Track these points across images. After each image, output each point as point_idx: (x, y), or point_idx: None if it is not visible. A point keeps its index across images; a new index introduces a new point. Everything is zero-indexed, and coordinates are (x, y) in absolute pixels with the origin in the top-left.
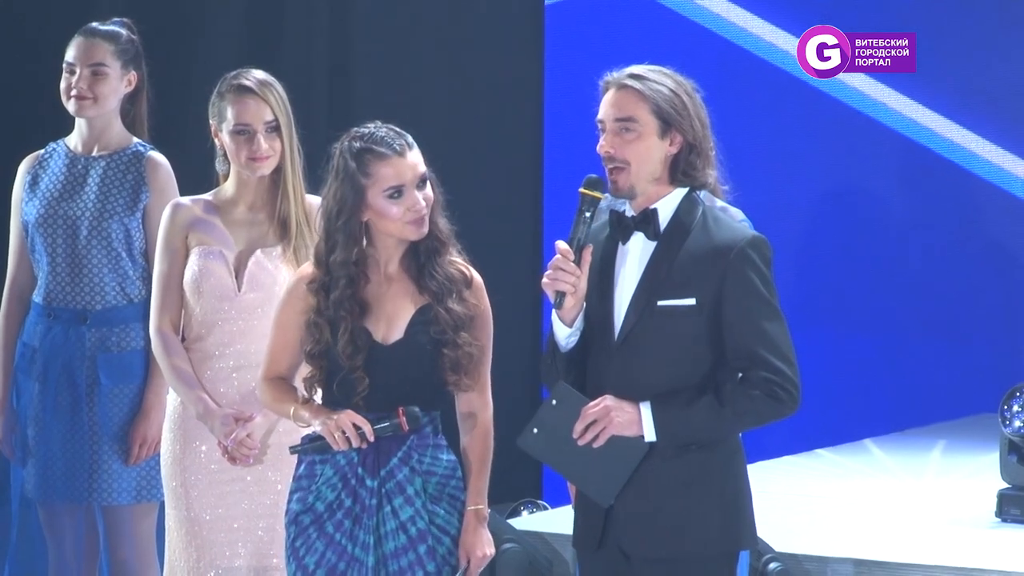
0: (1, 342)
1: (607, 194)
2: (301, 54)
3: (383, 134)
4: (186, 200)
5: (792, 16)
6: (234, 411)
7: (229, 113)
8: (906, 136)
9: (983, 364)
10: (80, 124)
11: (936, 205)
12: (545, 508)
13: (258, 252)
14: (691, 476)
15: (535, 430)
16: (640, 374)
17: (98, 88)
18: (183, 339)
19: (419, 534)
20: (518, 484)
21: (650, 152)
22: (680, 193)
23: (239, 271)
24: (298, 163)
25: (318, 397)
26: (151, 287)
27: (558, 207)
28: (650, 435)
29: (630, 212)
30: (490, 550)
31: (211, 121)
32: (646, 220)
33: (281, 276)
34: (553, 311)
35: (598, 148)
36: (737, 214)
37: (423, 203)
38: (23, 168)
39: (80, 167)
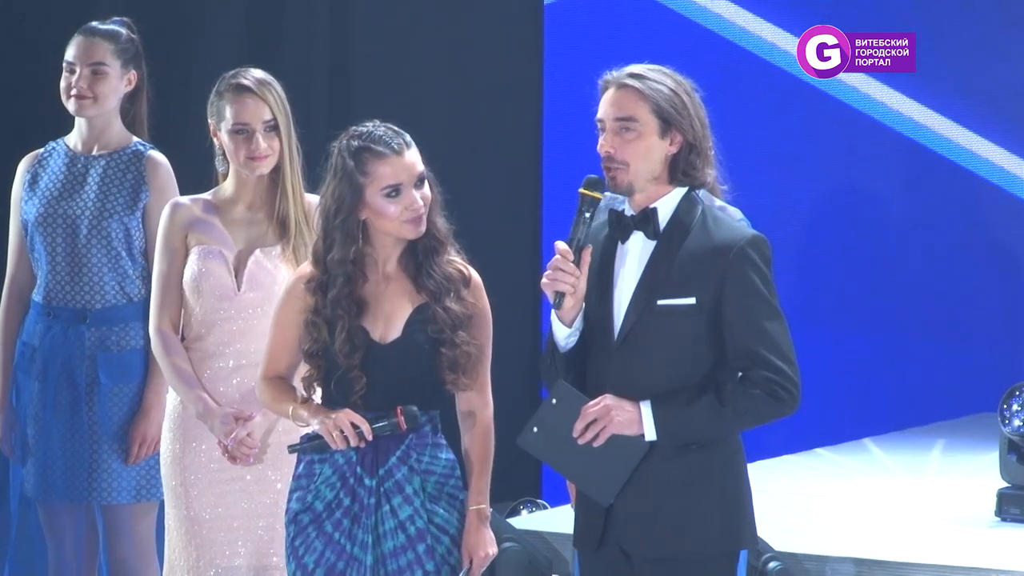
0: (0, 341)
1: (606, 192)
2: (301, 54)
3: (381, 133)
4: (185, 200)
5: (792, 16)
6: (234, 410)
7: (228, 112)
8: (906, 136)
9: (983, 364)
10: (80, 123)
11: (936, 205)
12: (545, 507)
13: (257, 251)
14: (692, 475)
15: (535, 429)
16: (640, 374)
17: (98, 87)
18: (183, 338)
19: (418, 533)
20: (518, 483)
21: (650, 152)
22: (679, 192)
23: (239, 270)
24: (297, 162)
25: (317, 396)
26: (151, 286)
27: (558, 207)
28: (650, 434)
29: (629, 211)
30: (492, 550)
31: (210, 120)
32: (646, 219)
33: (280, 275)
34: (552, 311)
35: (598, 148)
36: (736, 213)
37: (421, 202)
38: (22, 167)
39: (80, 166)
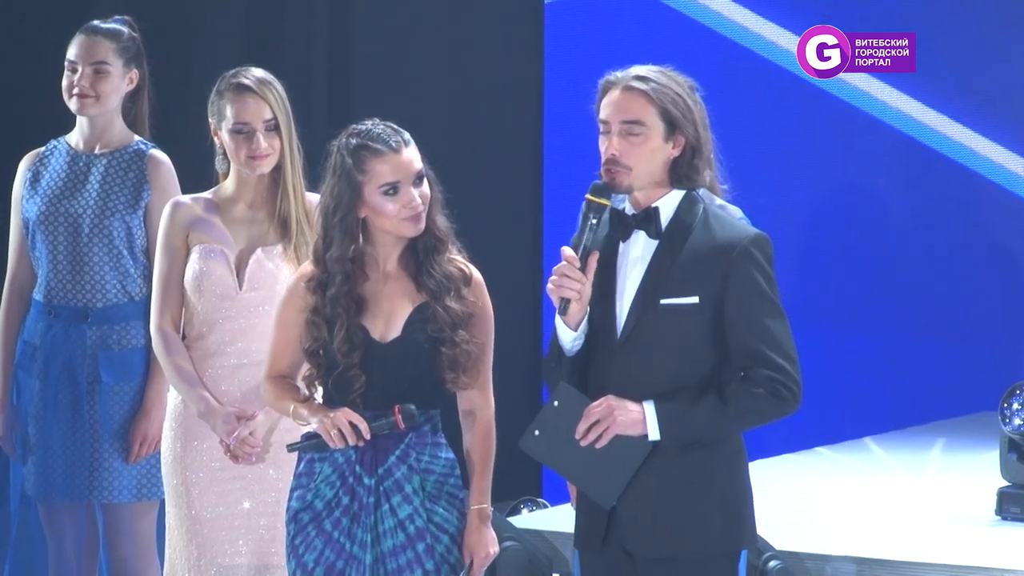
0: (1, 339)
1: (613, 197)
2: (301, 54)
3: (379, 131)
4: (186, 199)
5: (792, 16)
6: (236, 409)
7: (228, 112)
8: (907, 135)
9: (983, 363)
10: (82, 122)
11: (936, 204)
12: (545, 506)
13: (259, 251)
14: (694, 475)
15: (536, 432)
16: (642, 373)
17: (100, 86)
18: (184, 337)
19: (417, 532)
20: (518, 482)
21: (654, 155)
22: (680, 191)
23: (240, 269)
24: (298, 161)
25: (320, 395)
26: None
27: (558, 207)
28: (654, 434)
29: (630, 210)
30: (494, 549)
31: (210, 120)
32: (648, 218)
33: (282, 275)
34: (557, 316)
35: (604, 150)
36: (735, 212)
37: (419, 200)
38: (23, 165)
39: (82, 165)
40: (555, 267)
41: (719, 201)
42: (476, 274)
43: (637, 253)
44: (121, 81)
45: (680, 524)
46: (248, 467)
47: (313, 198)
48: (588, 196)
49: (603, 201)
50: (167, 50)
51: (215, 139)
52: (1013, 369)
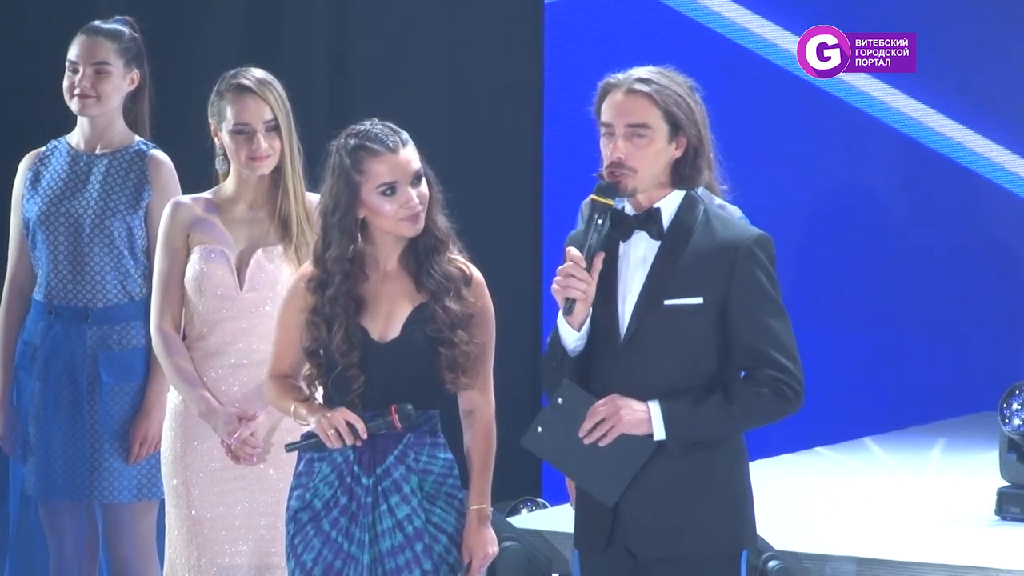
0: (1, 339)
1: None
2: (301, 54)
3: (377, 131)
4: (186, 199)
5: (792, 16)
6: (237, 410)
7: (228, 112)
8: (907, 135)
9: (983, 363)
10: (82, 122)
11: (936, 204)
12: (545, 506)
13: (259, 251)
14: (696, 475)
15: (539, 429)
16: (646, 374)
17: (101, 86)
18: (185, 337)
19: (415, 532)
20: (518, 482)
21: (658, 157)
22: (680, 191)
23: (241, 270)
24: (298, 162)
25: (320, 395)
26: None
27: (558, 207)
28: (659, 434)
29: (630, 210)
30: (493, 549)
31: (210, 120)
32: (650, 219)
33: (283, 275)
34: (560, 316)
35: (608, 153)
36: (735, 211)
37: (417, 200)
38: (24, 165)
39: (82, 165)
40: (560, 267)
41: (718, 201)
42: (477, 274)
43: (639, 254)
44: (122, 81)
45: (682, 524)
46: (248, 467)
47: (313, 198)
48: (593, 197)
49: (608, 202)
50: (167, 50)
51: (215, 139)
52: (1013, 369)
